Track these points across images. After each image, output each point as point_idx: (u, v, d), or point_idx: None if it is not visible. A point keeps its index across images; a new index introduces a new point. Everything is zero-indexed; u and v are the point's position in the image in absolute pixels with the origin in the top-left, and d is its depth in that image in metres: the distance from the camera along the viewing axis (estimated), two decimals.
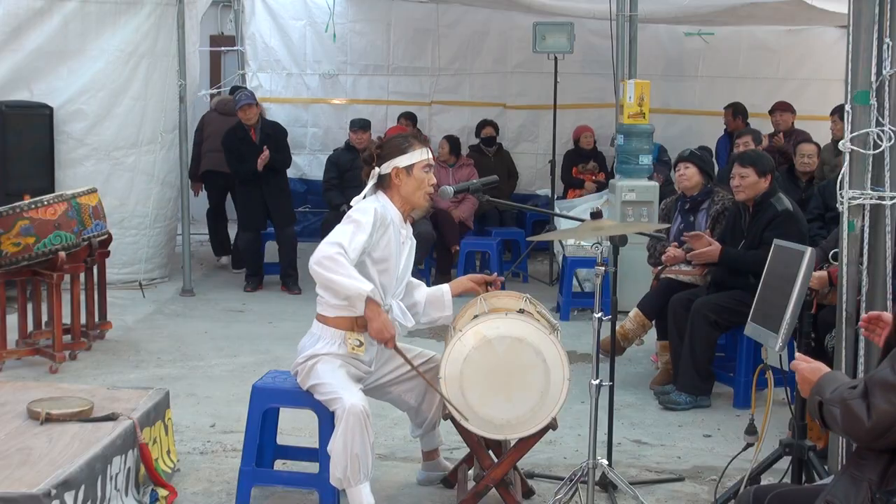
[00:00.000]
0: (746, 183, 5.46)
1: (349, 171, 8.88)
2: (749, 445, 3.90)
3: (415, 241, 4.12)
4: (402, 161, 3.90)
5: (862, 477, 2.53)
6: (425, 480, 4.35)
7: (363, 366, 3.95)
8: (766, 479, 3.90)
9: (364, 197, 3.93)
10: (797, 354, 2.87)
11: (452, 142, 9.81)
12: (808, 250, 3.58)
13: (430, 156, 4.00)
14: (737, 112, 9.75)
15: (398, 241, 3.92)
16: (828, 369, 2.71)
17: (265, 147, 8.42)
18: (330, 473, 3.73)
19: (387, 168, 3.90)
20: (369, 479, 3.75)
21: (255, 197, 8.61)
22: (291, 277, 8.71)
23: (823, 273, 4.54)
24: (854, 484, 2.54)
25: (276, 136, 8.67)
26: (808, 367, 2.73)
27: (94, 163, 8.40)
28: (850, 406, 2.46)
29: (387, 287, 3.91)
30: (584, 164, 10.21)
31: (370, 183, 3.94)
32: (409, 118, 10.38)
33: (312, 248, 3.83)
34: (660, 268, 6.09)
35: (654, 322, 6.02)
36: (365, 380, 3.99)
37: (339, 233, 3.75)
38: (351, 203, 3.96)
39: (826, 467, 3.77)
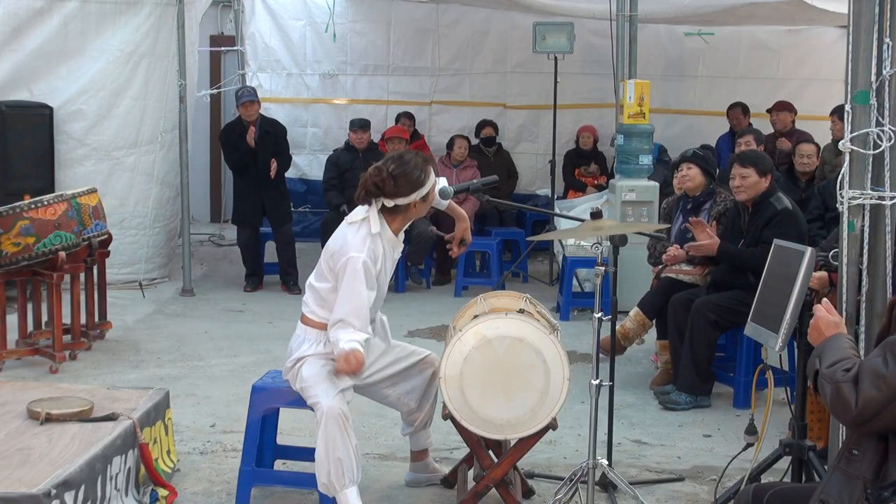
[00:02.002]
0: (748, 183, 5.47)
1: (349, 171, 8.88)
2: (749, 445, 3.90)
3: (402, 248, 4.08)
4: (421, 193, 3.83)
5: (856, 474, 2.55)
6: (413, 482, 4.34)
7: None
8: (766, 479, 3.89)
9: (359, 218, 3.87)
10: (823, 301, 2.86)
11: (468, 141, 9.89)
12: (808, 250, 3.58)
13: (435, 174, 3.96)
14: (746, 111, 9.77)
15: (391, 260, 3.91)
16: (843, 330, 2.73)
17: (273, 161, 8.47)
18: (316, 480, 3.73)
19: (405, 201, 3.80)
20: (356, 484, 3.73)
21: (250, 193, 8.62)
22: (291, 276, 8.71)
23: (823, 273, 4.54)
24: (848, 481, 2.56)
25: (275, 133, 8.70)
26: (825, 318, 2.75)
27: (94, 163, 8.40)
28: (841, 389, 2.50)
29: (374, 305, 3.90)
30: (585, 167, 10.21)
31: (374, 210, 3.82)
32: (409, 118, 10.39)
33: (313, 248, 3.84)
34: (660, 267, 6.09)
35: (654, 321, 6.02)
36: (359, 375, 3.97)
37: (355, 306, 3.70)
38: (345, 208, 3.94)
39: (826, 467, 3.77)
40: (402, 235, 4.03)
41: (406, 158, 3.87)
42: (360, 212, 3.87)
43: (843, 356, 2.60)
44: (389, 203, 3.81)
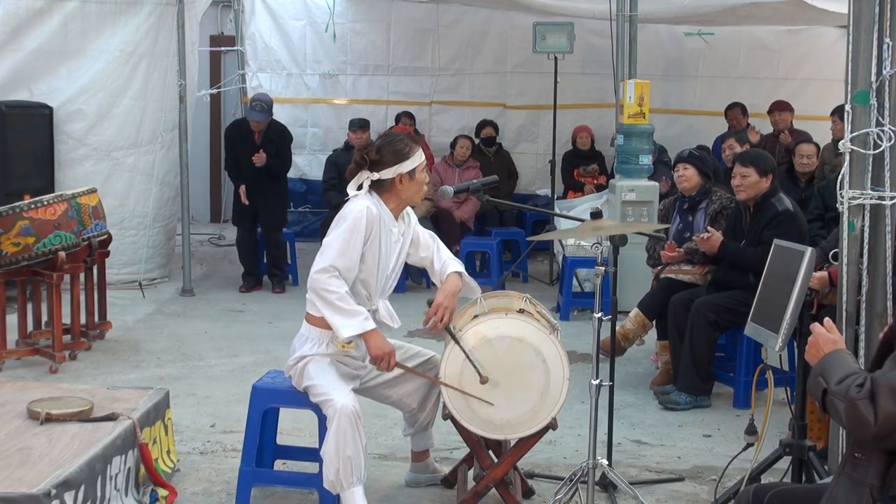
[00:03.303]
0: (748, 182, 5.48)
1: None
2: (749, 445, 3.90)
3: (410, 237, 4.09)
4: (405, 167, 3.87)
5: (862, 481, 2.53)
6: (413, 482, 4.33)
7: (355, 361, 3.93)
8: (766, 479, 3.89)
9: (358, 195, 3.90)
10: (825, 319, 2.80)
11: (472, 141, 9.91)
12: (808, 250, 3.58)
13: (424, 156, 3.99)
14: (744, 111, 9.79)
15: (389, 242, 3.90)
16: (842, 346, 2.67)
17: (261, 150, 8.43)
18: (323, 477, 3.73)
19: (390, 174, 3.86)
20: (363, 483, 3.74)
21: (247, 196, 8.61)
22: (276, 276, 8.76)
23: (824, 273, 4.54)
24: (854, 487, 2.54)
25: (279, 140, 8.65)
26: (824, 335, 2.68)
27: (94, 163, 8.40)
28: (858, 406, 2.46)
29: (372, 288, 3.90)
30: (585, 167, 10.20)
31: (364, 186, 3.89)
32: (409, 117, 10.39)
33: (313, 248, 3.84)
34: (659, 268, 6.09)
35: (654, 322, 6.02)
36: (361, 377, 3.98)
37: (335, 246, 3.74)
38: (346, 195, 3.95)
39: (826, 467, 3.77)
40: (408, 217, 4.03)
41: (393, 133, 4.04)
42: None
43: (850, 371, 2.55)
44: (375, 176, 3.86)
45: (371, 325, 3.76)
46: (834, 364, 2.59)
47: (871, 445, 2.52)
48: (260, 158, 8.40)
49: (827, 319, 2.80)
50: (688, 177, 6.09)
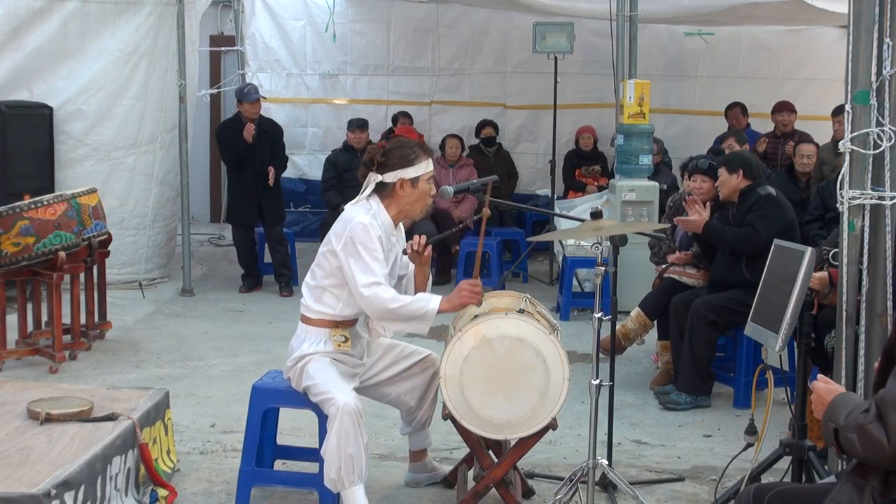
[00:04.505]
0: (720, 181, 5.64)
1: (347, 171, 8.88)
2: (749, 445, 3.90)
3: (404, 243, 4.08)
4: (408, 173, 3.86)
5: (865, 484, 2.52)
6: (412, 482, 4.33)
7: (353, 359, 3.93)
8: (767, 480, 3.89)
9: (357, 201, 3.90)
10: (819, 376, 2.82)
11: (461, 140, 9.91)
12: (808, 250, 3.58)
13: (433, 166, 3.98)
14: (745, 111, 9.79)
15: (385, 250, 3.90)
16: (843, 390, 2.67)
17: (270, 168, 8.42)
18: (324, 475, 3.73)
19: (391, 178, 3.85)
20: (363, 482, 3.74)
21: (247, 193, 8.55)
22: (284, 277, 8.66)
23: (824, 273, 4.54)
24: (858, 490, 2.53)
25: (272, 132, 8.66)
26: (824, 388, 2.69)
27: (94, 163, 8.40)
28: (868, 430, 2.42)
29: None
30: (587, 167, 10.20)
31: (368, 188, 3.90)
32: (406, 117, 10.40)
33: (312, 248, 3.83)
34: (664, 266, 6.08)
35: (655, 322, 6.02)
36: (361, 375, 3.98)
37: (365, 268, 3.72)
38: (344, 206, 3.94)
39: (826, 467, 3.78)
40: (402, 230, 4.03)
41: (405, 139, 4.05)
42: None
43: (855, 404, 2.53)
44: (378, 178, 3.86)
45: (436, 303, 3.74)
46: (839, 405, 2.58)
47: (891, 467, 2.46)
48: (248, 129, 8.35)
49: (820, 375, 2.82)
50: (705, 189, 5.94)
